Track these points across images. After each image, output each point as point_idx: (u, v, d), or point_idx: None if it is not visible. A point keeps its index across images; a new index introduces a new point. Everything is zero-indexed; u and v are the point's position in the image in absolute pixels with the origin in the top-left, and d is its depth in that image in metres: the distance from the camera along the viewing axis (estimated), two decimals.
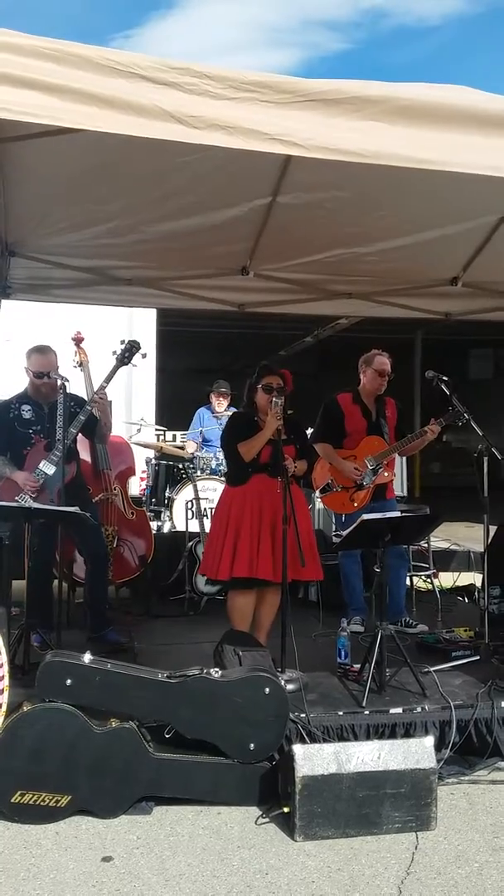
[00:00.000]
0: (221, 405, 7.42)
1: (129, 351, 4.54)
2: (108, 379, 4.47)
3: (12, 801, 2.97)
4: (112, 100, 2.52)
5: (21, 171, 3.92)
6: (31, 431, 4.45)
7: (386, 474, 5.01)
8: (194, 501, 5.99)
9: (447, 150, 2.88)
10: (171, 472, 6.96)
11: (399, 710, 3.52)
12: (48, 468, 4.29)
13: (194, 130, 2.59)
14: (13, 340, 5.38)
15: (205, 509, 6.00)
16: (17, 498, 4.20)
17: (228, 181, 4.11)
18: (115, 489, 5.51)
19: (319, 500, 5.46)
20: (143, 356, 4.63)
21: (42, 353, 4.46)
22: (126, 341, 4.57)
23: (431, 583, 5.92)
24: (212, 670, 3.28)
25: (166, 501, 6.84)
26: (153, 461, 7.09)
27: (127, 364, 4.56)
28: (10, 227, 4.62)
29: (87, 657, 3.23)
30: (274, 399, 4.06)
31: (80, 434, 4.50)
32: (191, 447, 7.31)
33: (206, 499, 6.23)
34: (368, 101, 2.79)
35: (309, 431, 4.99)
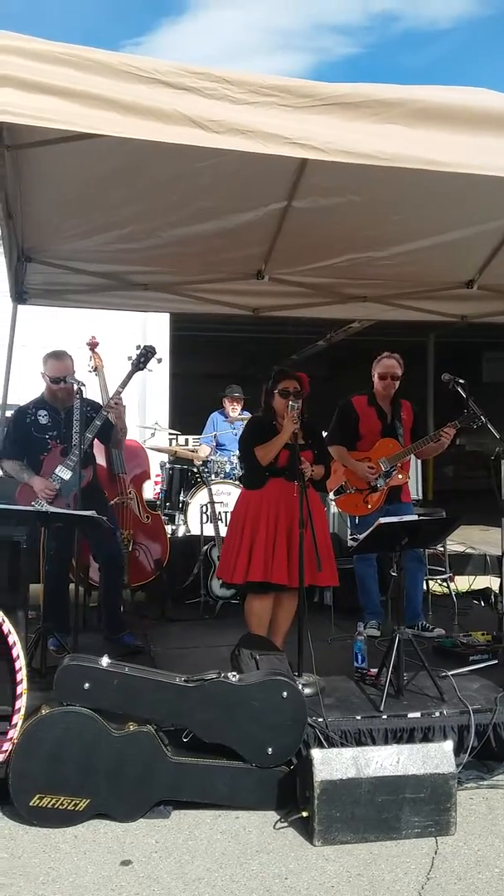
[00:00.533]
0: (234, 410, 7.43)
1: (145, 356, 4.55)
2: (125, 384, 4.49)
3: (31, 804, 2.98)
4: (132, 105, 2.54)
5: (38, 177, 3.94)
6: (47, 437, 4.46)
7: (400, 476, 4.99)
8: (209, 505, 5.99)
9: (464, 152, 2.89)
10: (185, 475, 6.97)
11: (417, 714, 3.51)
12: (64, 473, 4.31)
13: (214, 135, 2.60)
14: (28, 346, 5.39)
15: (219, 513, 6.00)
16: (33, 502, 4.21)
17: (244, 185, 4.12)
18: (130, 493, 5.51)
19: (333, 502, 5.45)
20: (159, 361, 4.64)
21: (58, 358, 4.47)
22: (141, 346, 4.59)
23: (448, 586, 5.89)
24: (229, 674, 3.28)
25: (181, 505, 6.85)
26: (167, 465, 7.10)
27: (143, 369, 4.57)
28: (27, 232, 4.64)
29: (104, 660, 3.23)
30: (291, 403, 4.05)
31: (95, 439, 4.52)
32: (204, 451, 7.32)
33: (221, 503, 6.24)
34: (386, 104, 2.80)
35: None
